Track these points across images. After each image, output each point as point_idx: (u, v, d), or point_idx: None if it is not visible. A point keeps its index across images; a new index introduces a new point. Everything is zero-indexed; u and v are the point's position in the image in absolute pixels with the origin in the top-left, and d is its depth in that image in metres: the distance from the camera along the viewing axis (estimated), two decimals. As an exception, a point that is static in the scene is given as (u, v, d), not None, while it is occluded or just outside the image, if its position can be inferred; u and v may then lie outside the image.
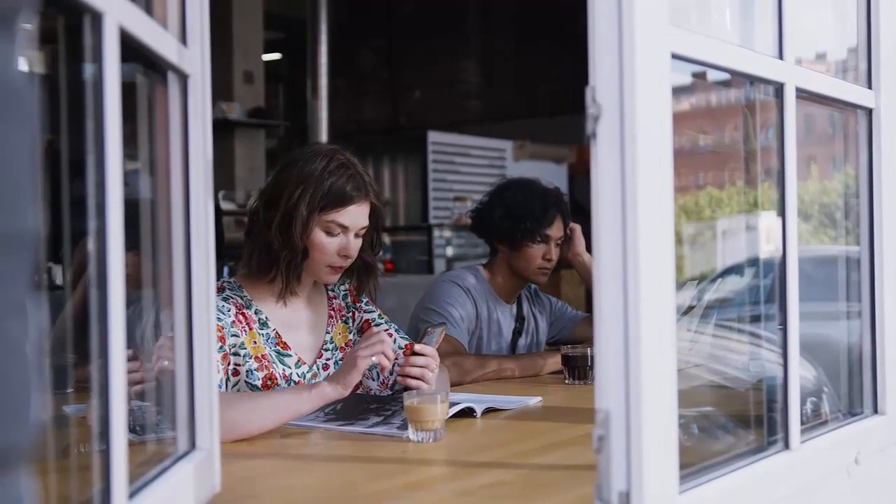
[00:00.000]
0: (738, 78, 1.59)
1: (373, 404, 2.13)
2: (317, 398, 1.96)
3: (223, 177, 7.47)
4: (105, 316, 1.00)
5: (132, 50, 1.11)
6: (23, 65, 0.57)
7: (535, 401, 2.34)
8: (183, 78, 1.34)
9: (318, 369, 2.28)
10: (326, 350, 2.33)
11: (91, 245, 1.01)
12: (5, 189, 0.54)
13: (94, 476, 1.03)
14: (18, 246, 0.55)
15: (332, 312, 2.38)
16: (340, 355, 2.34)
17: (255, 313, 2.22)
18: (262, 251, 2.20)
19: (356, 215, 2.21)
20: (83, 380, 1.20)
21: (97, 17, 0.99)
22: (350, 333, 2.38)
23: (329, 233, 2.19)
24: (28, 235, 0.56)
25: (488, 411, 2.16)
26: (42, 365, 0.59)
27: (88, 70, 1.01)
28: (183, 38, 1.34)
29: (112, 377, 1.00)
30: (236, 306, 2.17)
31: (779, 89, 1.50)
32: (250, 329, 2.18)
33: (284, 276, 2.20)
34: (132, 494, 1.09)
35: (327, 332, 2.34)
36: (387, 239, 7.73)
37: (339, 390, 1.96)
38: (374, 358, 1.97)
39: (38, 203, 0.58)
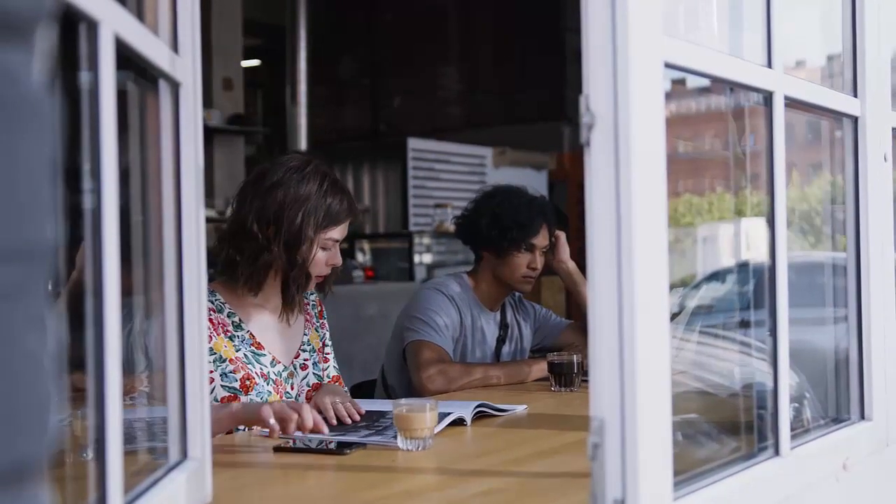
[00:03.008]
0: (718, 85, 1.60)
1: (362, 421, 2.12)
2: (228, 419, 2.04)
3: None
4: (100, 325, 0.99)
5: (124, 58, 1.10)
6: (40, 75, 0.57)
7: (521, 409, 2.34)
8: (175, 86, 1.33)
9: (294, 368, 2.36)
10: (304, 350, 2.41)
11: (86, 252, 1.00)
12: (24, 201, 0.54)
13: (87, 486, 1.02)
14: (37, 258, 0.55)
15: (308, 316, 2.46)
16: (317, 357, 2.43)
17: (229, 316, 2.27)
18: (261, 271, 2.25)
19: (345, 228, 2.33)
20: (70, 389, 1.19)
21: (93, 25, 0.98)
22: (320, 341, 2.47)
23: (324, 248, 2.29)
24: (46, 247, 0.56)
25: (478, 416, 2.16)
26: (59, 376, 0.58)
27: (83, 77, 1.00)
28: (175, 47, 1.34)
29: (107, 387, 1.00)
30: None
31: (768, 97, 1.51)
32: (218, 334, 2.23)
33: (296, 292, 2.28)
34: (126, 505, 1.08)
35: (304, 334, 2.42)
36: (367, 246, 7.72)
37: (241, 418, 2.04)
38: (272, 421, 1.92)
39: (55, 214, 0.57)
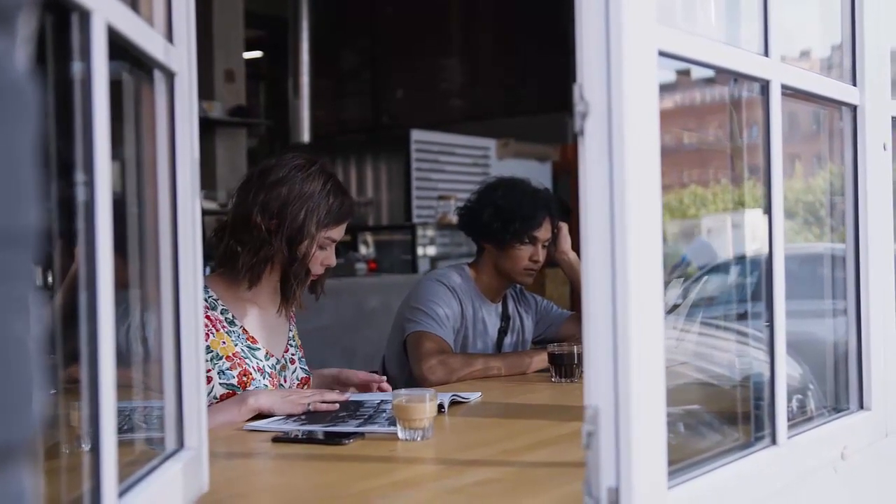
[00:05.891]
0: (722, 76, 1.59)
1: (342, 412, 2.11)
2: (248, 411, 2.10)
3: (204, 176, 7.39)
4: (94, 317, 0.99)
5: (118, 48, 1.10)
6: (23, 63, 0.57)
7: (475, 396, 2.36)
8: (170, 76, 1.33)
9: (286, 362, 2.40)
10: (291, 346, 2.44)
11: (80, 246, 1.00)
12: (9, 186, 0.54)
13: (82, 476, 1.02)
14: (21, 242, 0.56)
15: (292, 314, 2.49)
16: (301, 353, 2.47)
17: (222, 313, 2.29)
18: (262, 263, 2.27)
19: (343, 230, 2.36)
20: (68, 381, 1.19)
21: (85, 15, 0.98)
22: (299, 338, 2.52)
23: (322, 247, 2.31)
24: (30, 232, 0.57)
25: (452, 404, 2.20)
26: (43, 361, 0.59)
27: (76, 68, 1.00)
28: (169, 36, 1.33)
29: (101, 377, 1.00)
30: None
31: (764, 86, 1.51)
32: (217, 330, 2.25)
33: (295, 288, 2.31)
34: (121, 493, 1.08)
35: (290, 330, 2.46)
36: (370, 238, 7.72)
37: (263, 403, 2.11)
38: (310, 406, 2.12)
39: (38, 201, 0.58)
